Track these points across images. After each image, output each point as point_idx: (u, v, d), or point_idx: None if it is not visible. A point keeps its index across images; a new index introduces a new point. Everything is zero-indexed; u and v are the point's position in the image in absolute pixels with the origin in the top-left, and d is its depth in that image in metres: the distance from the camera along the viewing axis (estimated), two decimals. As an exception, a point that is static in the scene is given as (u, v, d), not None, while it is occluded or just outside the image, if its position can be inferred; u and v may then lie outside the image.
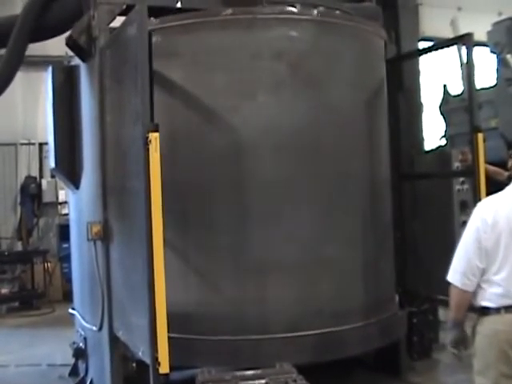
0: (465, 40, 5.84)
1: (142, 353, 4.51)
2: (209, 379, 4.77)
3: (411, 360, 6.91)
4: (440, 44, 6.83)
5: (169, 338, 4.26)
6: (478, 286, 3.59)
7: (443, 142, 12.52)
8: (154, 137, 4.25)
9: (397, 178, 6.68)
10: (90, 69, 5.72)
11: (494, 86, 11.29)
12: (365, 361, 6.54)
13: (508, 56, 11.15)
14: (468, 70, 5.85)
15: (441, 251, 6.77)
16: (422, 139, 7.63)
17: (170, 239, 4.53)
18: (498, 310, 3.51)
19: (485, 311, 3.58)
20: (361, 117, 5.81)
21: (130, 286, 4.83)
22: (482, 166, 5.68)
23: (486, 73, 11.94)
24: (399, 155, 6.75)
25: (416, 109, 7.39)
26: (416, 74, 7.36)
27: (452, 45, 6.82)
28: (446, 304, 6.97)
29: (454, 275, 3.64)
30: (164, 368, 4.21)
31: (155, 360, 4.22)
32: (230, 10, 5.44)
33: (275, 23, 5.49)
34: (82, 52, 5.67)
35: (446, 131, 12.64)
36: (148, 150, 4.25)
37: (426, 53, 6.90)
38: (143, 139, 4.27)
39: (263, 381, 4.68)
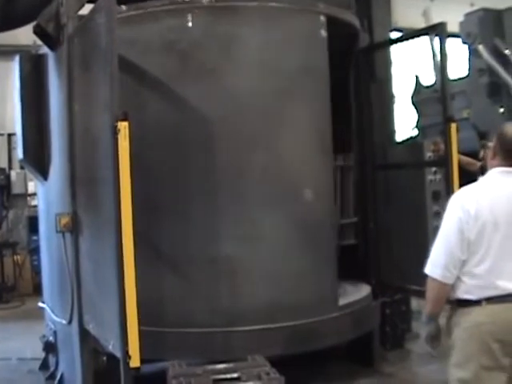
0: (438, 29, 5.79)
1: (113, 346, 4.43)
2: (180, 373, 4.70)
3: (384, 350, 6.92)
4: (412, 33, 6.79)
5: (140, 330, 4.20)
6: (457, 279, 3.49)
7: (415, 132, 12.57)
8: (123, 126, 4.15)
9: (371, 169, 6.66)
10: (58, 57, 5.59)
11: (466, 76, 11.33)
12: (338, 352, 6.53)
13: (480, 47, 11.18)
14: (441, 60, 5.81)
15: (413, 241, 6.84)
16: (394, 130, 7.61)
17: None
18: (478, 302, 3.42)
19: (464, 303, 3.48)
20: (268, 105, 5.51)
21: (100, 278, 4.74)
22: (455, 156, 5.66)
23: (459, 63, 11.99)
24: (373, 146, 6.71)
25: (388, 100, 7.36)
26: (388, 64, 7.33)
27: (424, 34, 6.80)
28: (418, 294, 7.03)
29: (433, 268, 3.51)
30: (135, 362, 4.13)
31: (126, 354, 4.15)
32: (123, 7, 5.45)
33: (165, 15, 5.42)
34: (50, 40, 5.54)
35: (417, 122, 12.68)
36: (117, 139, 4.17)
37: (398, 42, 6.86)
38: (112, 128, 4.18)
39: (235, 374, 4.62)
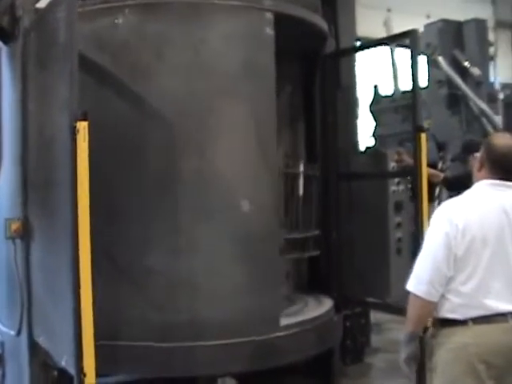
0: (409, 36, 5.65)
1: (66, 362, 4.15)
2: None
3: (344, 365, 6.75)
4: (381, 40, 6.71)
5: (96, 345, 3.94)
6: (442, 296, 3.30)
7: (372, 141, 12.52)
8: (83, 126, 3.89)
9: (335, 178, 6.48)
10: (12, 52, 5.26)
11: (426, 87, 11.33)
12: (296, 366, 6.31)
13: (439, 58, 11.20)
14: (412, 67, 5.66)
15: (375, 253, 6.70)
16: (357, 138, 7.47)
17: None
18: (464, 322, 3.24)
19: (449, 323, 3.30)
20: (203, 109, 5.09)
21: (53, 288, 4.46)
22: (424, 167, 5.51)
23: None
24: (336, 154, 6.53)
25: (352, 107, 7.21)
26: (353, 71, 7.19)
27: (394, 41, 6.67)
28: (380, 308, 6.92)
29: (417, 285, 3.29)
30: (90, 379, 3.87)
31: (80, 370, 3.88)
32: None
33: (98, 14, 5.08)
34: (4, 34, 5.21)
35: (375, 131, 12.65)
36: (75, 140, 3.91)
37: (365, 49, 6.72)
38: (70, 128, 3.91)
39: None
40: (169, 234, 5.01)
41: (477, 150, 3.73)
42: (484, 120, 10.90)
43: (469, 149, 6.82)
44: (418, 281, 3.30)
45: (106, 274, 4.73)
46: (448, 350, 3.27)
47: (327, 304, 5.97)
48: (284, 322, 5.20)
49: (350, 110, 7.08)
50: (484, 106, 10.94)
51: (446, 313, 3.30)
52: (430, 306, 3.31)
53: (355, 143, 7.35)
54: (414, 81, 5.68)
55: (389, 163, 6.70)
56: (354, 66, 7.18)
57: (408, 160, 6.34)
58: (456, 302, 3.27)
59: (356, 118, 7.37)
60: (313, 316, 5.57)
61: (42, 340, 4.78)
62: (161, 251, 4.97)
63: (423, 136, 5.51)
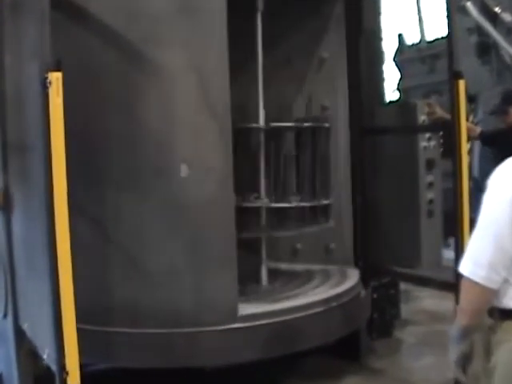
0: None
1: (48, 356, 3.56)
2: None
3: (371, 339, 6.11)
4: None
5: (83, 330, 3.37)
6: (504, 282, 2.57)
7: (396, 94, 11.82)
8: (55, 77, 3.24)
9: (357, 134, 5.76)
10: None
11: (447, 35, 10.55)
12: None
13: (468, 3, 10.39)
14: (447, 8, 4.93)
15: (404, 216, 6.03)
16: (383, 89, 6.72)
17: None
18: None
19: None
20: (132, 56, 4.34)
21: (33, 267, 3.85)
22: (463, 119, 4.79)
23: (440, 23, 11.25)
24: (360, 107, 5.80)
25: (377, 54, 6.44)
26: (377, 14, 6.41)
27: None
28: (409, 279, 6.27)
29: (474, 267, 2.58)
30: (73, 379, 3.27)
31: (62, 368, 3.28)
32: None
33: None
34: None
35: (399, 83, 11.91)
36: (47, 94, 3.25)
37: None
38: (41, 80, 3.27)
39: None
40: (93, 204, 4.36)
41: None
42: (516, 69, 10.16)
43: (510, 99, 6.15)
44: (475, 263, 2.57)
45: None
46: (510, 349, 2.58)
47: (353, 276, 5.30)
48: (303, 300, 4.57)
49: (373, 58, 6.32)
50: (517, 54, 10.18)
51: (510, 301, 2.61)
52: (489, 294, 2.58)
53: (381, 94, 6.60)
54: (449, 24, 4.97)
55: (418, 116, 6.02)
56: (378, 8, 6.41)
57: (440, 112, 5.71)
58: None
59: (381, 66, 6.60)
60: (336, 292, 4.92)
61: (26, 327, 4.20)
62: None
63: (462, 83, 4.81)
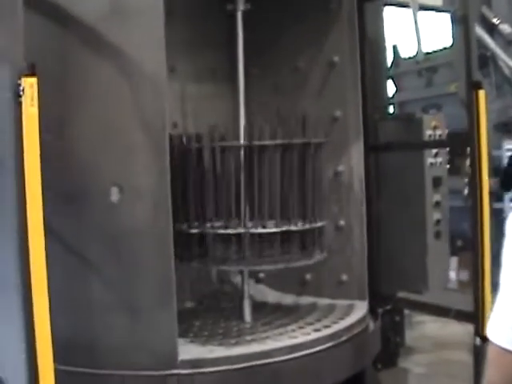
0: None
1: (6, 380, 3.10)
2: None
3: (375, 370, 5.68)
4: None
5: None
6: None
7: (391, 108, 11.46)
8: (29, 83, 2.81)
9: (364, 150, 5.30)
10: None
11: (450, 46, 10.24)
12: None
13: (466, 14, 10.08)
14: (462, 12, 4.56)
15: (410, 240, 5.61)
16: (388, 100, 6.31)
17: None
18: None
19: None
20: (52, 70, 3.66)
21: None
22: (484, 133, 4.36)
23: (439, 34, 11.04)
24: (364, 121, 5.34)
25: (380, 62, 6.03)
26: (381, 21, 6.01)
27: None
28: (417, 306, 5.82)
29: (503, 333, 1.93)
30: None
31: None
32: None
33: None
34: None
35: (393, 97, 11.55)
36: (21, 103, 2.82)
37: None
38: (13, 87, 2.85)
39: None
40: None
41: None
42: (516, 83, 9.86)
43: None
44: (505, 327, 2.01)
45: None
46: None
47: (360, 307, 4.80)
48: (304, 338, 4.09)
49: (377, 66, 5.90)
50: (516, 66, 9.88)
51: None
52: None
53: (384, 107, 6.19)
54: (466, 29, 4.60)
55: (424, 131, 5.65)
56: (381, 15, 6.01)
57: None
58: None
59: (385, 75, 6.19)
60: (342, 327, 4.37)
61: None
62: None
63: (482, 93, 4.38)
